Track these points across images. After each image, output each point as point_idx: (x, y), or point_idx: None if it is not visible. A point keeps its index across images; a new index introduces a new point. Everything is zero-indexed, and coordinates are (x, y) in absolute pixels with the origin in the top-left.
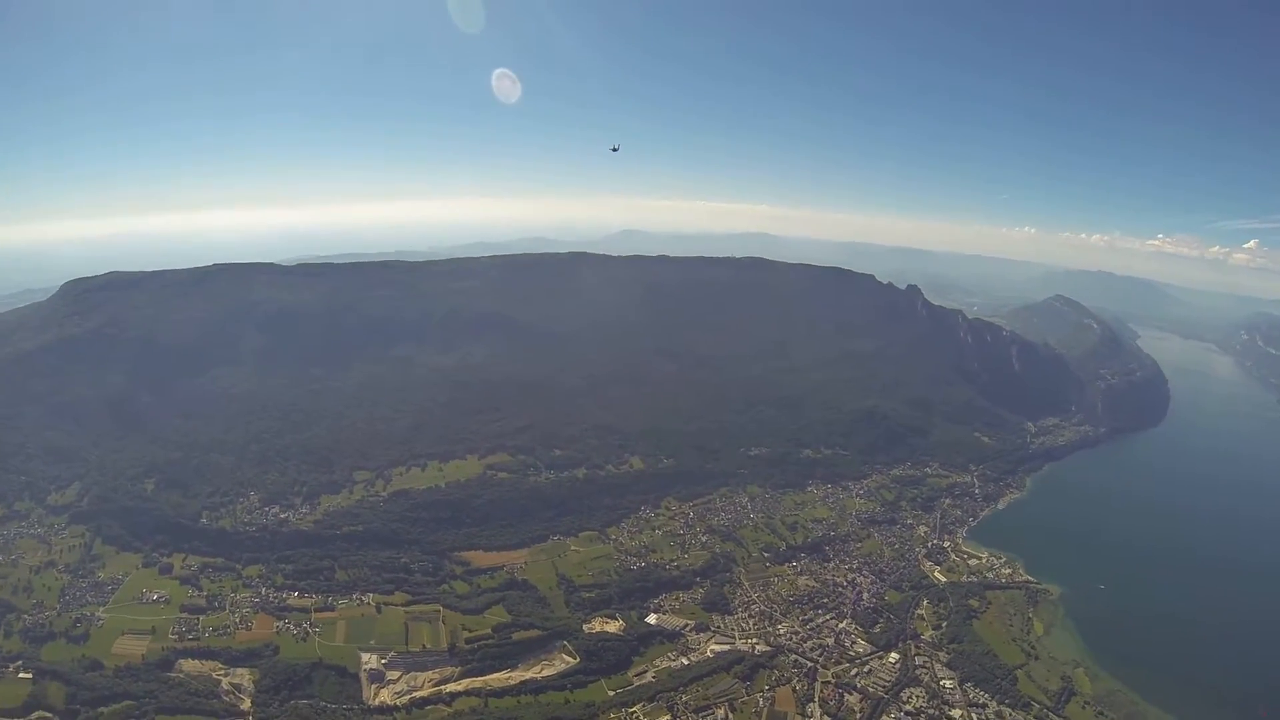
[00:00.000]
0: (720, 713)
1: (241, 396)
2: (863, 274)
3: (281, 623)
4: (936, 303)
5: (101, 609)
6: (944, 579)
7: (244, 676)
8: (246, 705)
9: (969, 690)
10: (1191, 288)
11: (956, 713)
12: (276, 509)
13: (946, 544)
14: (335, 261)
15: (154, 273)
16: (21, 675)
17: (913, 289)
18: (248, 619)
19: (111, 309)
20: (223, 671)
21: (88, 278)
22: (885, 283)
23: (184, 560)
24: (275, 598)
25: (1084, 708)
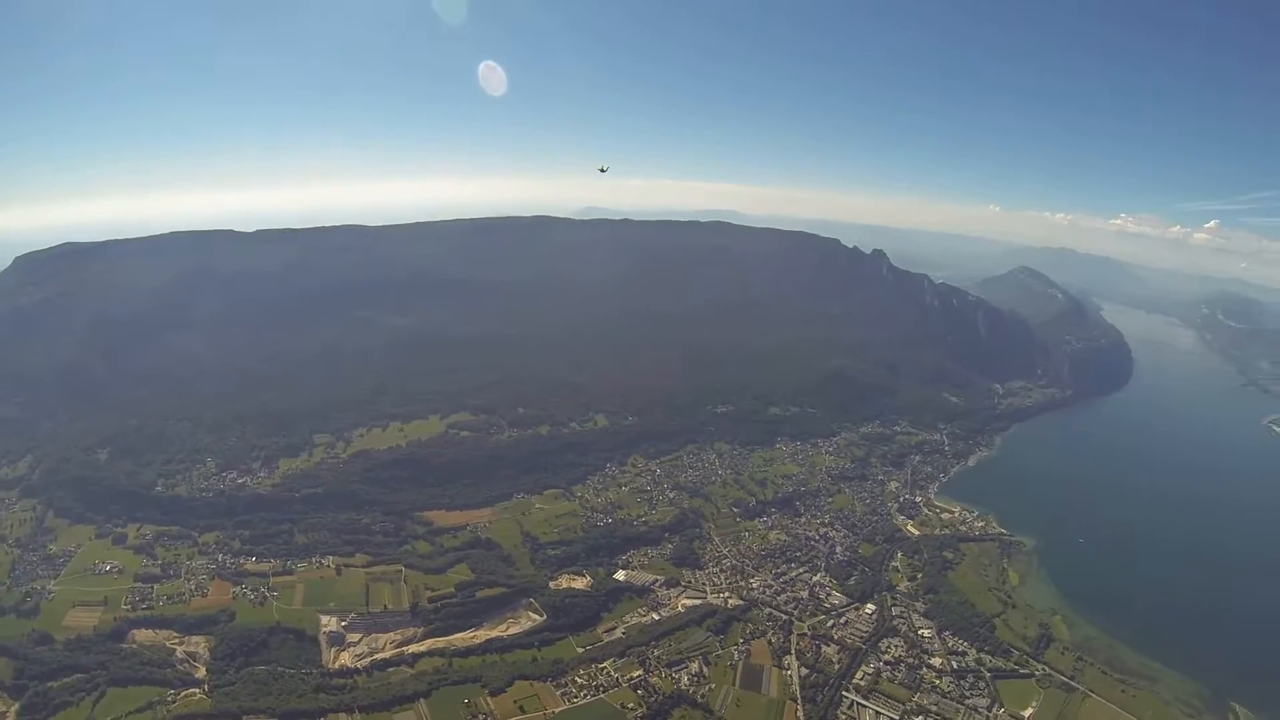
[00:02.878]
0: (694, 666)
1: (197, 363)
2: (828, 238)
3: (238, 588)
4: None
5: (53, 582)
6: (917, 532)
7: (199, 644)
8: (202, 673)
9: (948, 639)
10: (1153, 266)
11: (936, 660)
12: (234, 474)
13: (918, 499)
14: (295, 228)
15: (107, 242)
16: None
17: (878, 253)
18: (203, 586)
19: (64, 279)
20: (177, 640)
21: (40, 250)
22: (851, 247)
23: (138, 530)
24: (232, 564)
25: (1063, 653)
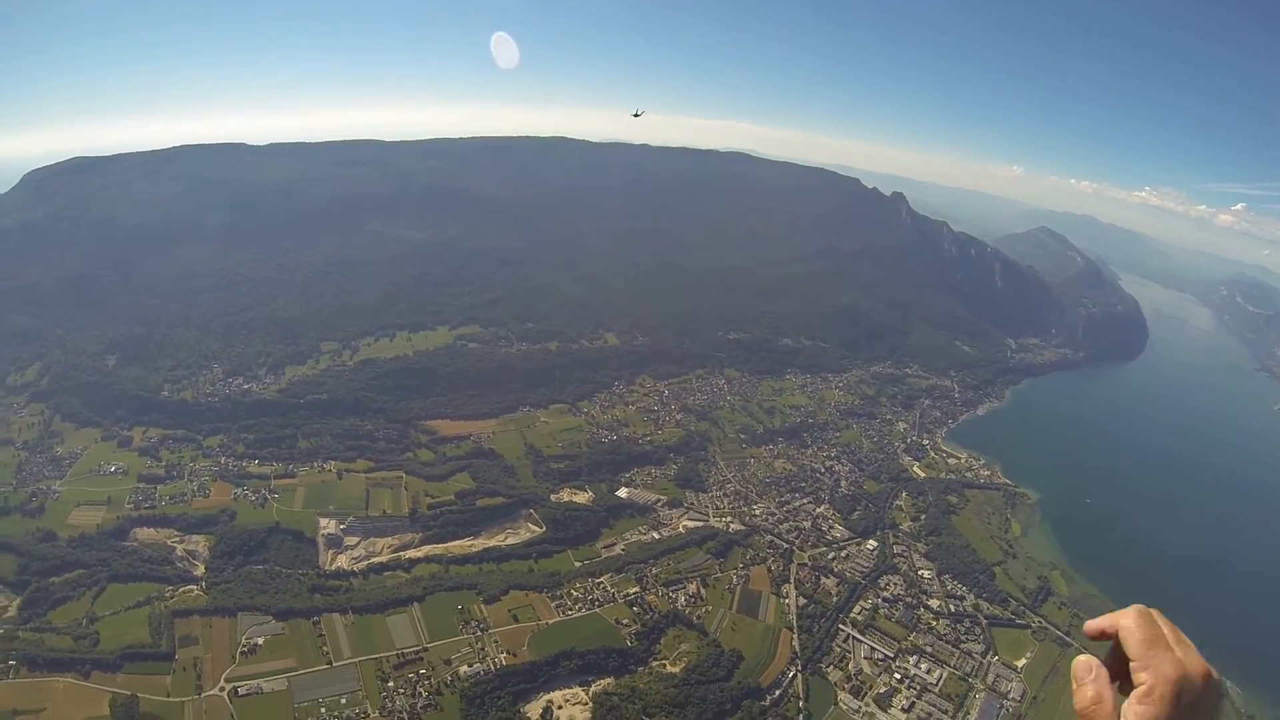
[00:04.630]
0: (692, 587)
1: (207, 273)
2: (848, 177)
3: (240, 490)
4: None
5: (58, 482)
6: (923, 474)
7: (199, 543)
8: (200, 571)
9: (947, 581)
10: (1174, 242)
11: (934, 602)
12: (240, 380)
13: (926, 441)
14: (308, 143)
15: (116, 156)
16: None
17: (898, 195)
18: (206, 487)
19: (74, 192)
20: (178, 539)
21: (49, 165)
22: (870, 188)
23: (144, 433)
24: (235, 466)
25: (1060, 608)
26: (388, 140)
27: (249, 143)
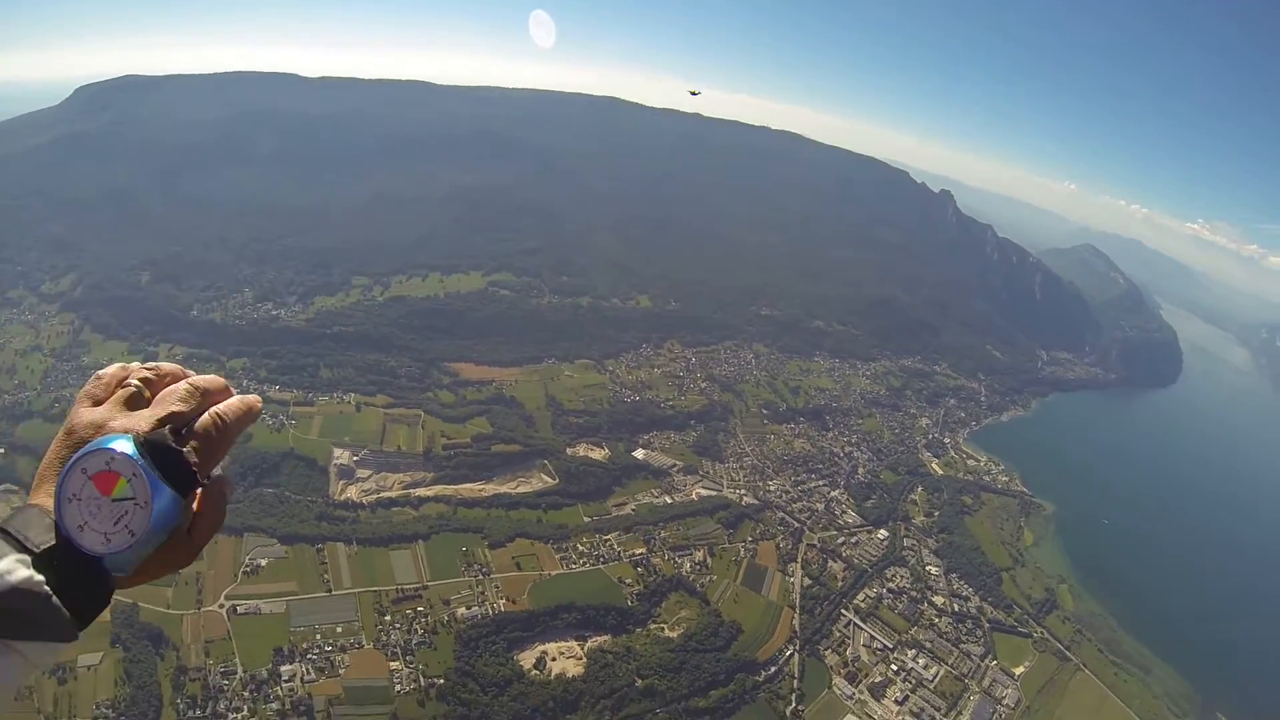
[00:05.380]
0: (698, 555)
1: (247, 197)
2: (897, 168)
3: None
4: None
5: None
6: (941, 471)
7: None
8: None
9: (953, 580)
10: (1221, 279)
11: (939, 599)
12: (269, 305)
13: (947, 440)
14: (361, 79)
15: (169, 76)
16: None
17: (946, 194)
18: None
19: (123, 108)
20: None
21: (101, 80)
22: (919, 183)
23: (169, 350)
24: (256, 390)
25: (1064, 622)
26: (440, 83)
27: (301, 74)
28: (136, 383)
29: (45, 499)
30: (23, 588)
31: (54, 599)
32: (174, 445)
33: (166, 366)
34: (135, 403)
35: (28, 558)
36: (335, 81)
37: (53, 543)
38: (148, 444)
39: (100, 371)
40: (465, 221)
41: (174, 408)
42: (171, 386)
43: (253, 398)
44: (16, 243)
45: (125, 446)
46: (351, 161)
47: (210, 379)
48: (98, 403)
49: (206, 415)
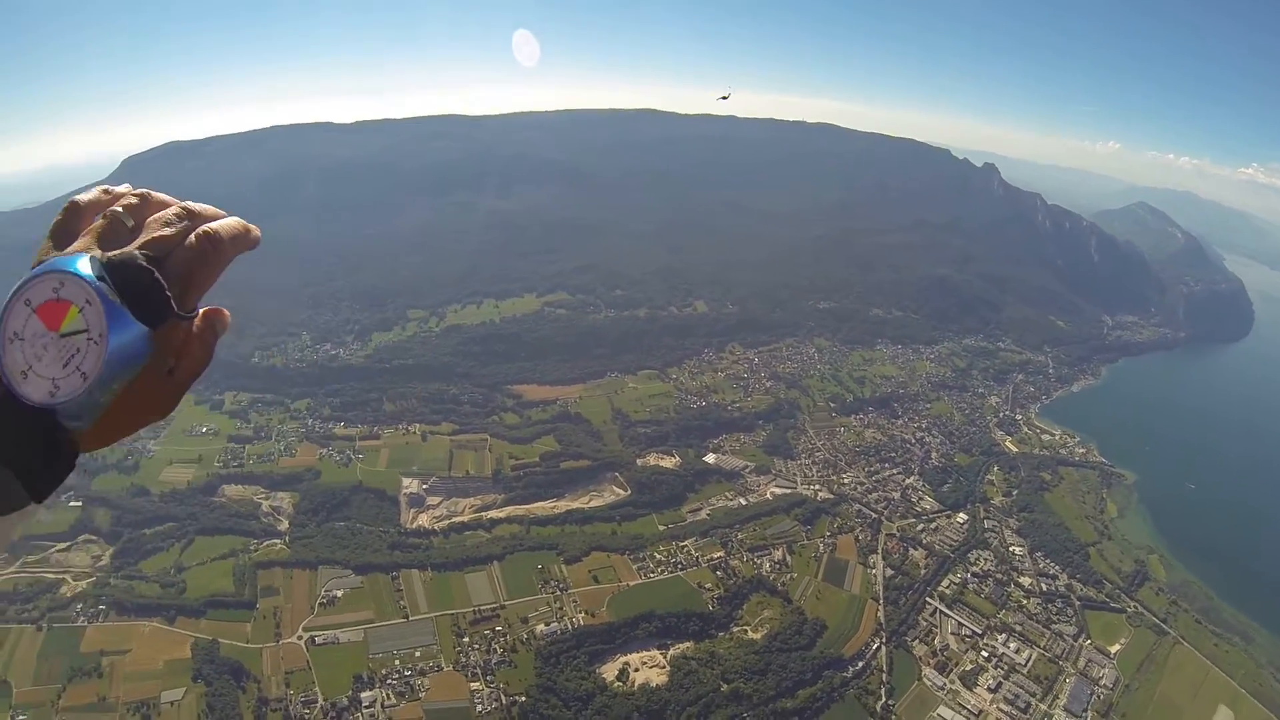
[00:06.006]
0: (778, 554)
1: (295, 244)
2: (938, 148)
3: (325, 450)
4: None
5: (153, 442)
6: (1015, 449)
7: (284, 500)
8: (284, 526)
9: (1039, 559)
10: None
11: (1026, 580)
12: (328, 346)
13: (1018, 417)
14: (394, 119)
15: (209, 139)
16: (72, 504)
17: (989, 167)
18: (292, 447)
19: (167, 174)
20: (264, 495)
21: (145, 151)
22: (961, 159)
23: (235, 396)
24: (321, 428)
25: (1158, 594)
26: (473, 115)
27: (335, 121)
28: (119, 209)
29: None
30: None
31: None
32: (144, 265)
33: (157, 195)
34: (114, 234)
35: None
36: (369, 125)
37: None
38: (110, 265)
39: (75, 198)
40: (513, 247)
41: (158, 233)
42: (159, 213)
43: (254, 226)
44: None
45: (83, 267)
46: (392, 200)
47: (209, 207)
48: (68, 240)
49: (195, 234)
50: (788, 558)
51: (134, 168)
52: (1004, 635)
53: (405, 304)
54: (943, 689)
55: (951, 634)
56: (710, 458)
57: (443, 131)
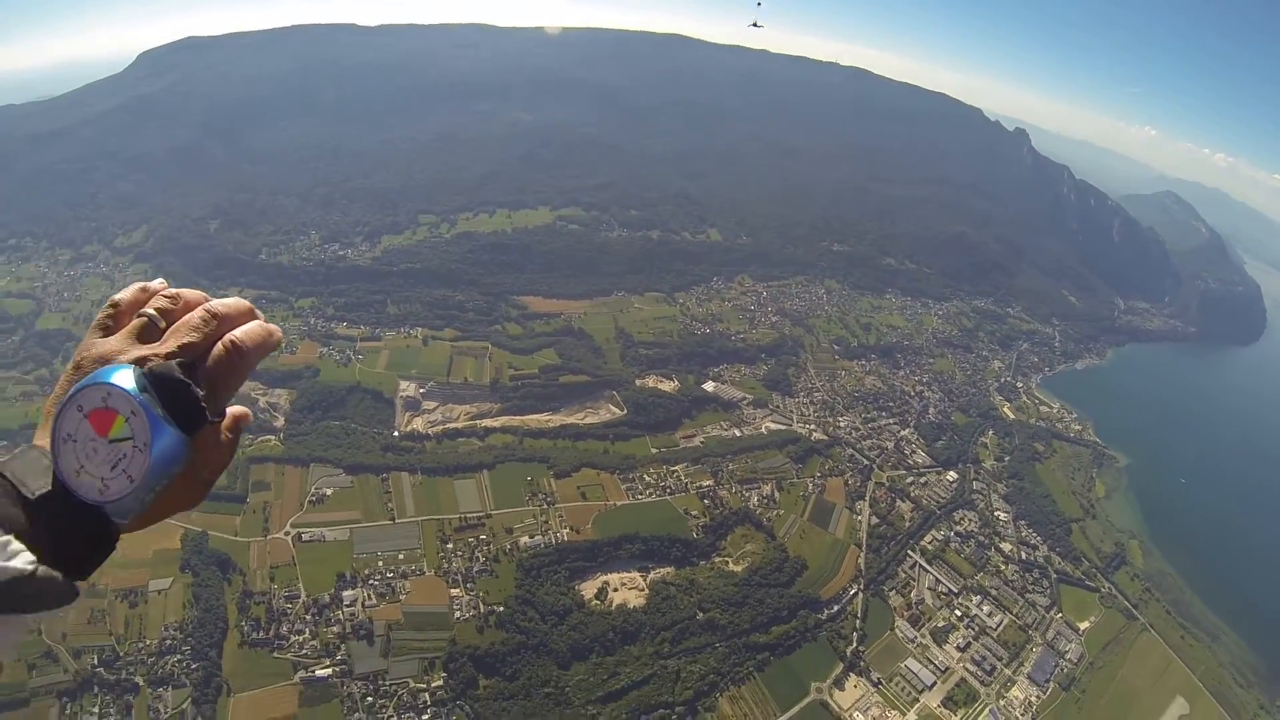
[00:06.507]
0: (766, 489)
1: (311, 145)
2: (970, 106)
3: (325, 349)
4: None
5: None
6: (1012, 416)
7: (282, 396)
8: (280, 423)
9: (1022, 528)
10: None
11: (1006, 546)
12: (336, 246)
13: (1019, 384)
14: (420, 24)
15: (228, 35)
16: None
17: (1020, 133)
18: (293, 345)
19: (185, 69)
20: (262, 391)
21: (162, 45)
22: (993, 120)
23: (239, 292)
24: (323, 327)
25: (1133, 579)
26: (500, 25)
27: (359, 24)
28: (152, 312)
29: (46, 439)
30: (18, 576)
31: (50, 574)
32: (181, 377)
33: (188, 293)
34: (149, 334)
35: (22, 548)
36: (393, 29)
37: (49, 489)
38: (151, 376)
39: (115, 297)
40: (531, 159)
41: (187, 338)
42: (186, 316)
43: (273, 326)
44: (89, 201)
45: (125, 380)
46: (413, 105)
47: (232, 303)
48: (109, 333)
49: (221, 343)
50: (776, 494)
51: (152, 61)
52: (979, 597)
53: (417, 209)
54: (913, 642)
55: (928, 589)
56: (709, 385)
57: (470, 40)
